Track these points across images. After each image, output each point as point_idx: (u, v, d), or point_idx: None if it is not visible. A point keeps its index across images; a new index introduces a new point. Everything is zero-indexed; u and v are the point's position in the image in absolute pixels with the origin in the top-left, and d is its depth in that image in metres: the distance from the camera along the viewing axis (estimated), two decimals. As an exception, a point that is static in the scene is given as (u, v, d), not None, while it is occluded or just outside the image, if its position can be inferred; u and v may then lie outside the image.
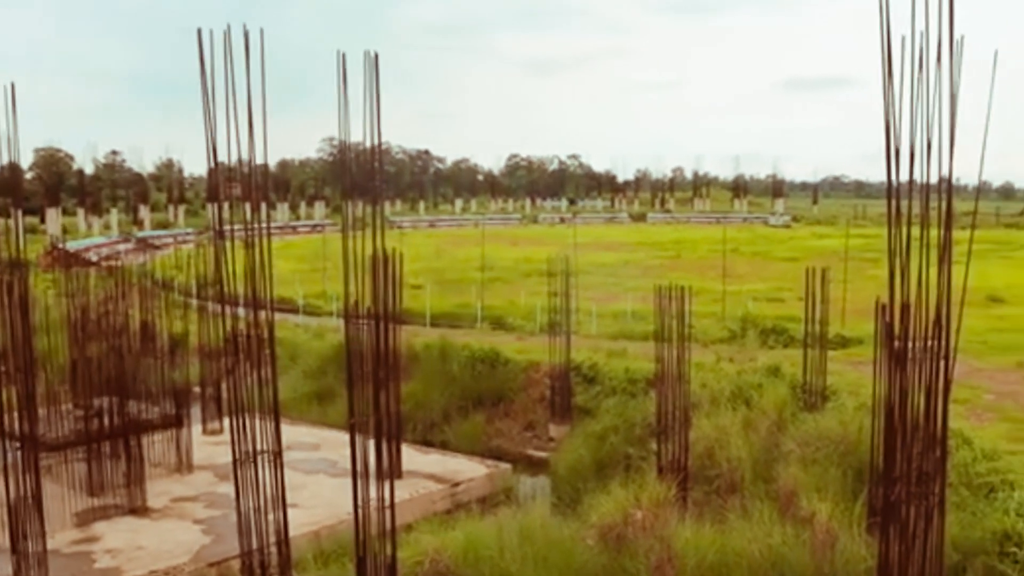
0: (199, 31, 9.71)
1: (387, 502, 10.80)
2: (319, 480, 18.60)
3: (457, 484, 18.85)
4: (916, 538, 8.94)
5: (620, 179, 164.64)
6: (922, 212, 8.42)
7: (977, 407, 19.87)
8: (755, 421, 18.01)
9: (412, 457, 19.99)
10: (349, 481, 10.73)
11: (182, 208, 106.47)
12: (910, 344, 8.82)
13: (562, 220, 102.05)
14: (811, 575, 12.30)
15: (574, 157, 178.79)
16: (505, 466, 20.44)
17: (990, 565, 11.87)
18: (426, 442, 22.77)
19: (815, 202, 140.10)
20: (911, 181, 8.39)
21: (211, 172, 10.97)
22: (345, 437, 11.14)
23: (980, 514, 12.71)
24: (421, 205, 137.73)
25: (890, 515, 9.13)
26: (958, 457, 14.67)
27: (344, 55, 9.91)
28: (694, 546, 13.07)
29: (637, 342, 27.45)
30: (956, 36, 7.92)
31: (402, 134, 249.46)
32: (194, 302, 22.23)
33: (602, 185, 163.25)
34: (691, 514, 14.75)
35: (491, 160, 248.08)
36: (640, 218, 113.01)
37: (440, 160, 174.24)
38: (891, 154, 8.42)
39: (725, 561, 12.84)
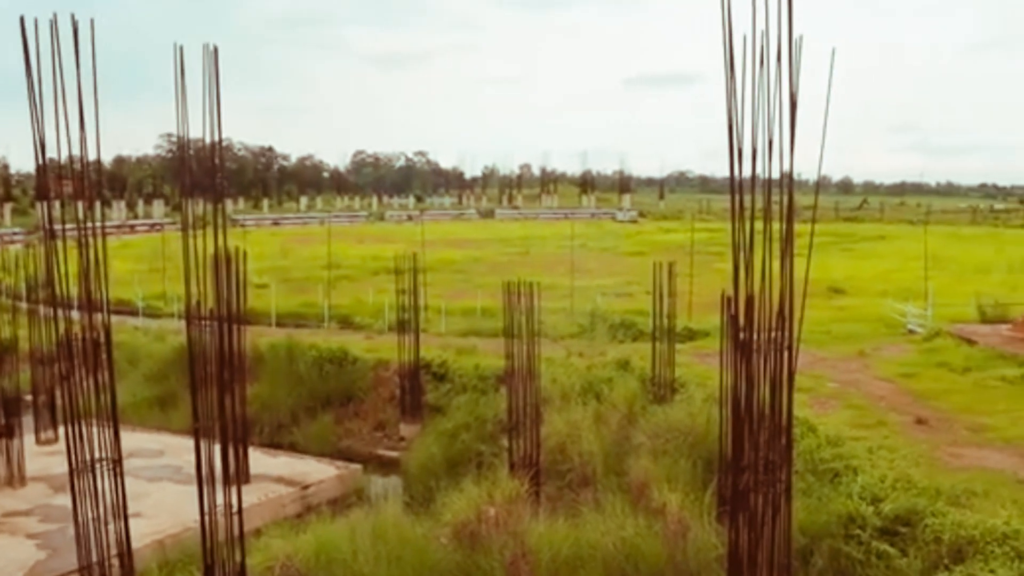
0: (22, 19, 9.12)
1: (235, 507, 10.44)
2: (163, 487, 17.86)
3: (307, 487, 18.46)
4: (764, 525, 9.14)
5: (468, 176, 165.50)
6: (765, 206, 8.59)
7: (821, 395, 20.62)
8: (606, 415, 18.23)
9: (260, 460, 19.41)
10: (195, 487, 10.32)
11: (8, 206, 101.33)
12: (755, 336, 8.99)
13: (409, 217, 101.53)
14: (664, 565, 12.50)
15: (421, 154, 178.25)
16: (356, 467, 20.14)
17: (836, 548, 12.30)
18: (274, 445, 22.20)
19: (661, 197, 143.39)
20: (753, 176, 8.55)
21: (40, 169, 10.35)
22: (190, 442, 10.73)
23: (826, 499, 13.15)
24: (265, 203, 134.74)
25: (739, 503, 9.28)
26: (804, 444, 15.16)
27: (181, 48, 9.48)
28: (548, 541, 13.10)
29: (487, 339, 27.48)
30: (795, 35, 8.11)
31: (245, 130, 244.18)
32: (24, 305, 21.05)
33: (450, 182, 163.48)
34: (544, 509, 14.81)
35: (337, 157, 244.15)
36: (488, 215, 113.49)
37: (284, 157, 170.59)
38: (733, 150, 8.55)
39: (579, 555, 12.93)
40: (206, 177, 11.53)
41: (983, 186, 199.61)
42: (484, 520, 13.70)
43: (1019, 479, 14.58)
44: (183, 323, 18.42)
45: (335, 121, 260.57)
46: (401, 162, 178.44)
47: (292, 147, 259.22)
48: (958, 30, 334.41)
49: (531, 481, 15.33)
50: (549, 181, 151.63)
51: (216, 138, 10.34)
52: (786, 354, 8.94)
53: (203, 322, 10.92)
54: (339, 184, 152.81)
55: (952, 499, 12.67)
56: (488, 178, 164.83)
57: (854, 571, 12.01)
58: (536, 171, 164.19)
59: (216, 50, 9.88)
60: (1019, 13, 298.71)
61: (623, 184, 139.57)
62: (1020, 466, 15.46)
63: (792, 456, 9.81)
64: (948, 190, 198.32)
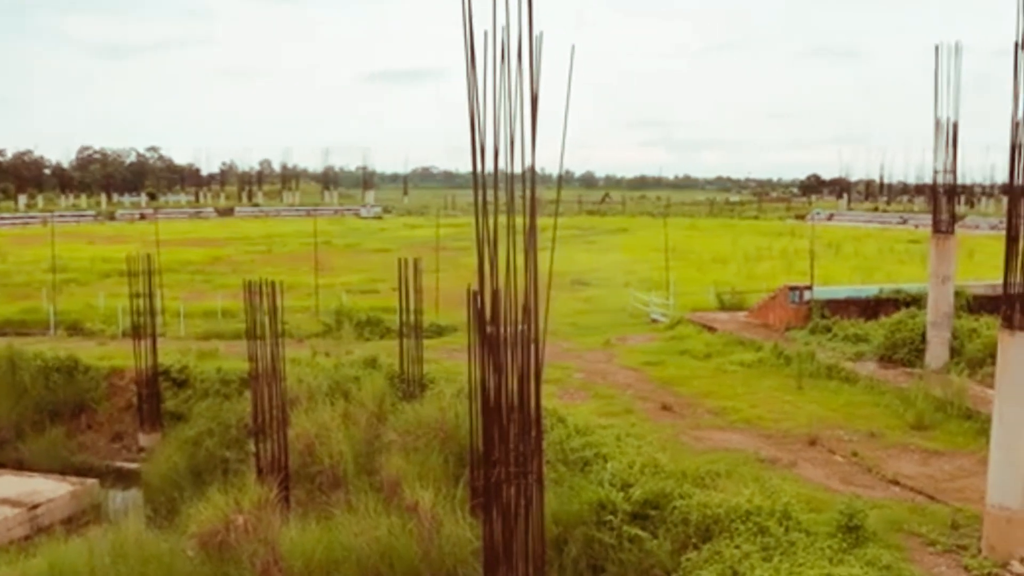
0: None
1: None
2: None
3: (36, 507, 17.25)
4: (518, 516, 9.25)
5: (205, 172, 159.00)
6: (508, 201, 8.68)
7: (569, 386, 21.23)
8: (355, 414, 18.03)
9: (-23, 483, 17.98)
10: None
11: None
12: (502, 329, 9.09)
13: (142, 216, 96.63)
14: (419, 562, 12.50)
15: (154, 149, 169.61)
16: (92, 482, 19.03)
17: (589, 535, 12.68)
18: (-5, 464, 20.60)
19: (406, 193, 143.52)
20: (496, 172, 8.62)
21: None
22: None
23: (577, 488, 13.53)
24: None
25: (492, 496, 9.36)
26: (554, 435, 15.55)
27: None
28: (300, 546, 12.86)
29: (230, 341, 26.57)
30: (535, 32, 8.22)
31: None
32: None
33: (186, 179, 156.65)
34: (295, 513, 14.53)
35: (60, 153, 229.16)
36: (227, 213, 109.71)
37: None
38: (476, 146, 8.59)
39: (333, 557, 12.74)
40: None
41: (719, 179, 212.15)
42: (233, 528, 13.30)
43: (760, 458, 15.60)
44: None
45: (57, 114, 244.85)
46: (132, 158, 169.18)
47: (7, 142, 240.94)
48: (697, 31, 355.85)
49: (280, 485, 15.02)
50: (290, 178, 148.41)
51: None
52: (533, 347, 9.08)
53: None
54: (63, 182, 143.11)
55: (698, 481, 13.35)
56: (226, 175, 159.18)
57: (607, 556, 12.43)
58: (277, 167, 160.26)
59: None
60: (755, 17, 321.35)
61: (367, 180, 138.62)
62: (760, 445, 16.55)
63: (542, 447, 10.01)
64: (686, 183, 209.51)
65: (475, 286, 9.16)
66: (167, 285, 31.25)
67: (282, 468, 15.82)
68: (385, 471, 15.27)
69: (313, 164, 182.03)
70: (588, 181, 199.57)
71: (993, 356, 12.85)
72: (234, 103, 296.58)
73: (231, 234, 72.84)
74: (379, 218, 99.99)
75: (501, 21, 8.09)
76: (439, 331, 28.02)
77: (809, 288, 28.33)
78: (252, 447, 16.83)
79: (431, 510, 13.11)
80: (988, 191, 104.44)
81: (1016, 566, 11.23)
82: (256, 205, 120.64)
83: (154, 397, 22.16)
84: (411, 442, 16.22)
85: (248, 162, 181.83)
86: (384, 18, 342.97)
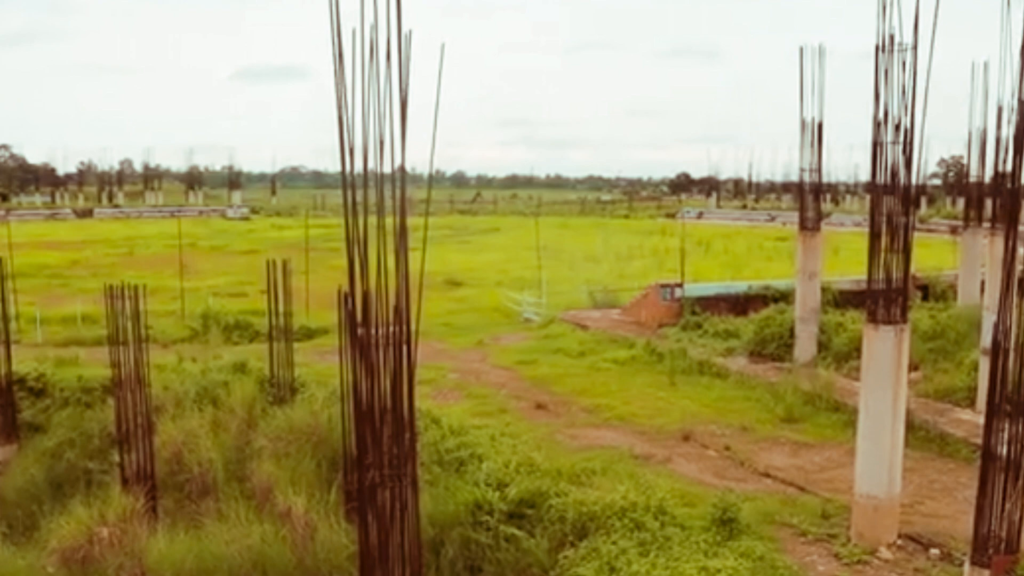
0: None
1: None
2: None
3: None
4: (394, 519, 9.14)
5: (61, 172, 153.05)
6: (378, 201, 8.57)
7: (443, 387, 21.17)
8: (224, 420, 17.58)
9: None
10: None
11: None
12: (374, 331, 8.97)
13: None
14: (293, 569, 12.26)
15: (5, 147, 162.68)
16: (-63, 503, 18.00)
17: (466, 536, 12.62)
18: None
19: (274, 193, 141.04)
20: (365, 172, 8.50)
21: None
22: None
23: (453, 489, 13.45)
24: None
25: (366, 500, 9.23)
26: (428, 436, 15.44)
27: None
28: (168, 557, 12.49)
29: (91, 347, 25.57)
30: (404, 30, 8.11)
31: None
32: None
33: (40, 178, 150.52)
34: (163, 524, 14.10)
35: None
36: (86, 214, 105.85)
37: None
38: (345, 145, 8.45)
39: (204, 567, 12.40)
40: None
41: (590, 178, 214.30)
42: (96, 542, 12.86)
43: (634, 455, 15.83)
44: None
45: None
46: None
47: None
48: (566, 29, 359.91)
49: (147, 495, 14.60)
50: (153, 177, 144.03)
51: None
52: (405, 348, 8.99)
53: None
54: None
55: (573, 478, 13.44)
56: (85, 175, 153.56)
57: (484, 556, 12.40)
58: (139, 167, 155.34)
59: None
60: (621, 16, 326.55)
61: (233, 180, 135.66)
62: (635, 442, 16.79)
63: (417, 449, 9.92)
64: (557, 182, 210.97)
65: (345, 287, 9.00)
66: (21, 290, 29.87)
67: (149, 478, 15.34)
68: (256, 477, 14.94)
69: (177, 164, 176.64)
70: (459, 181, 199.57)
71: (858, 350, 13.33)
72: (93, 100, 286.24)
73: (90, 236, 70.28)
74: (246, 219, 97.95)
75: (370, 19, 7.96)
76: (310, 333, 27.63)
77: (680, 286, 28.95)
78: (116, 457, 16.24)
79: (304, 516, 12.88)
80: (852, 189, 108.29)
81: (884, 552, 11.67)
82: (117, 206, 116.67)
83: (9, 407, 21.08)
84: (283, 447, 15.89)
85: (108, 161, 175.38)
86: (251, 15, 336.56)
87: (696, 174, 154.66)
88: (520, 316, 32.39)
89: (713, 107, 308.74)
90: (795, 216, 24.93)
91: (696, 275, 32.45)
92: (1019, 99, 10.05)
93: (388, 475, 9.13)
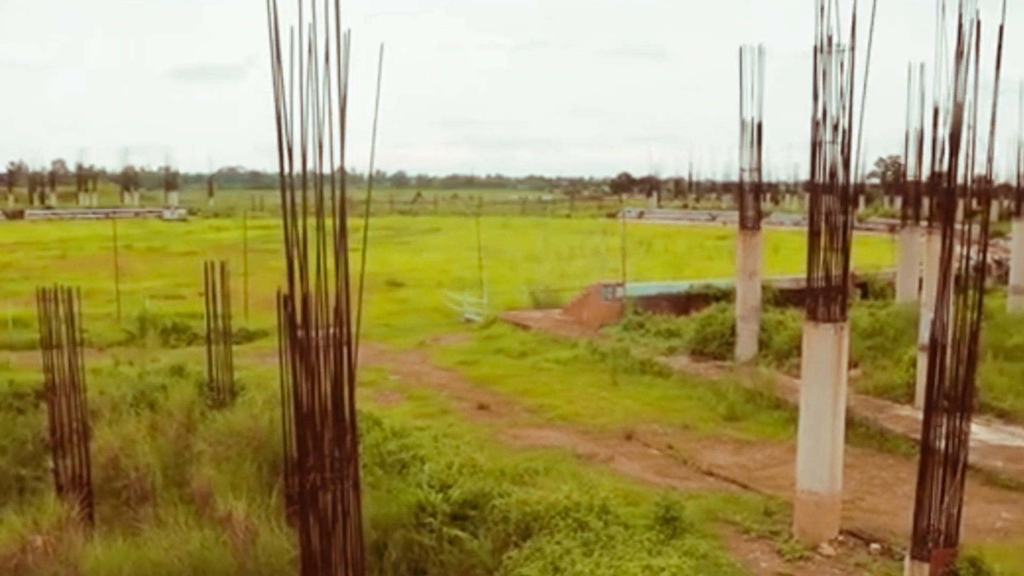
0: None
1: None
2: None
3: None
4: (336, 522, 9.09)
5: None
6: (317, 202, 8.51)
7: (384, 388, 21.06)
8: (162, 424, 17.31)
9: None
10: None
11: None
12: (314, 333, 8.90)
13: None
14: (234, 574, 12.10)
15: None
16: None
17: (409, 538, 12.54)
18: None
19: (211, 194, 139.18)
20: (304, 172, 8.43)
21: None
22: None
23: (395, 491, 13.36)
24: None
25: (308, 504, 9.16)
26: (370, 439, 15.34)
27: None
28: (106, 565, 12.24)
29: (23, 352, 24.98)
30: (344, 29, 8.05)
31: None
32: None
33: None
34: (100, 531, 13.82)
35: None
36: (17, 216, 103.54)
37: None
38: (283, 146, 8.37)
39: (142, 574, 12.18)
40: None
41: (531, 178, 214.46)
42: (30, 551, 12.55)
43: (577, 454, 15.86)
44: None
45: None
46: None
47: None
48: (512, 29, 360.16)
49: (83, 502, 14.28)
50: (87, 178, 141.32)
51: None
52: (346, 350, 8.93)
53: None
54: None
55: (516, 479, 13.42)
56: (15, 175, 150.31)
57: (428, 558, 12.34)
58: (72, 167, 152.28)
59: None
60: (567, 16, 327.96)
61: (170, 181, 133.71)
62: (577, 442, 16.83)
63: (358, 451, 9.86)
64: (499, 182, 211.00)
65: (285, 289, 8.91)
66: (-53, 295, 29.23)
67: (84, 484, 15.02)
68: (196, 482, 14.72)
69: (112, 164, 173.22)
70: (400, 181, 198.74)
71: (799, 347, 13.51)
72: (23, 99, 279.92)
73: (21, 238, 68.73)
74: (184, 220, 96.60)
75: (308, 18, 7.89)
76: (249, 336, 27.33)
77: (621, 285, 29.11)
78: (51, 463, 15.91)
79: (245, 520, 12.72)
80: (792, 188, 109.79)
81: (826, 548, 11.82)
82: (49, 207, 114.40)
83: (-64, 414, 20.62)
84: (223, 451, 15.69)
85: (40, 162, 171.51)
86: (187, 13, 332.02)
87: (637, 174, 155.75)
88: (461, 317, 32.31)
89: (656, 107, 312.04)
90: (735, 215, 25.19)
91: (637, 274, 32.65)
92: (955, 100, 10.24)
93: (330, 478, 9.07)
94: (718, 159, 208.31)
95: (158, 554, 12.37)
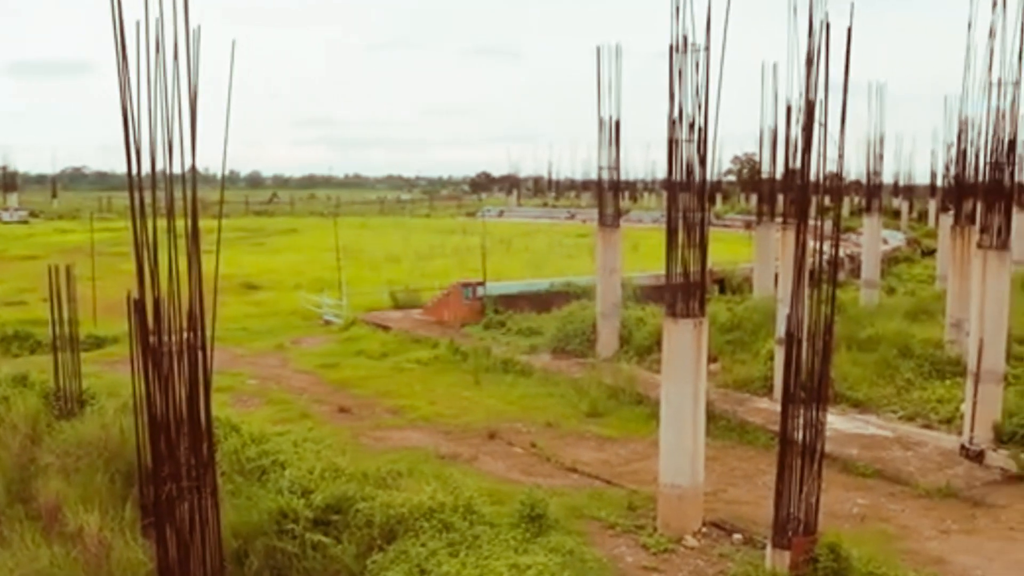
0: None
1: None
2: None
3: None
4: (194, 532, 8.89)
5: None
6: (167, 203, 8.28)
7: (242, 393, 20.57)
8: (4, 437, 16.50)
9: None
10: None
11: None
12: (167, 338, 8.65)
13: None
14: (87, 592, 11.64)
15: None
16: None
17: (271, 545, 12.24)
18: None
19: (55, 195, 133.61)
20: (154, 172, 8.18)
21: None
22: None
23: (256, 498, 13.02)
24: None
25: (164, 514, 8.89)
26: (228, 445, 14.91)
27: None
28: (-56, 594, 11.61)
29: None
30: (192, 26, 7.84)
31: None
32: None
33: None
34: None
35: None
36: None
37: None
38: (131, 145, 8.09)
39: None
40: None
41: (389, 178, 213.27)
42: None
43: (440, 454, 15.81)
44: None
45: None
46: None
47: None
48: (364, 28, 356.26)
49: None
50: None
51: None
52: (201, 355, 8.71)
53: None
54: None
55: (380, 482, 13.26)
56: None
57: (291, 565, 12.08)
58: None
59: None
60: (425, 15, 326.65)
61: (8, 182, 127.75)
62: (440, 442, 16.77)
63: (216, 459, 9.62)
64: (356, 182, 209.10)
65: (135, 293, 8.62)
66: None
67: (-82, 504, 14.24)
68: (43, 497, 14.05)
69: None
70: (255, 181, 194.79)
71: (659, 343, 13.78)
72: None
73: None
74: (25, 223, 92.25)
75: (155, 13, 7.64)
76: (99, 343, 26.34)
77: (482, 284, 29.19)
78: None
79: (98, 534, 12.20)
80: (650, 186, 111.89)
81: (689, 540, 12.09)
82: None
83: None
84: (72, 463, 15.03)
85: None
86: (23, 3, 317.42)
87: (497, 173, 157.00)
88: (320, 319, 31.87)
89: (515, 106, 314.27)
90: (595, 213, 25.52)
91: (498, 273, 32.75)
92: (807, 99, 10.62)
93: (186, 487, 8.86)
94: (577, 157, 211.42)
95: (2, 575, 11.81)
